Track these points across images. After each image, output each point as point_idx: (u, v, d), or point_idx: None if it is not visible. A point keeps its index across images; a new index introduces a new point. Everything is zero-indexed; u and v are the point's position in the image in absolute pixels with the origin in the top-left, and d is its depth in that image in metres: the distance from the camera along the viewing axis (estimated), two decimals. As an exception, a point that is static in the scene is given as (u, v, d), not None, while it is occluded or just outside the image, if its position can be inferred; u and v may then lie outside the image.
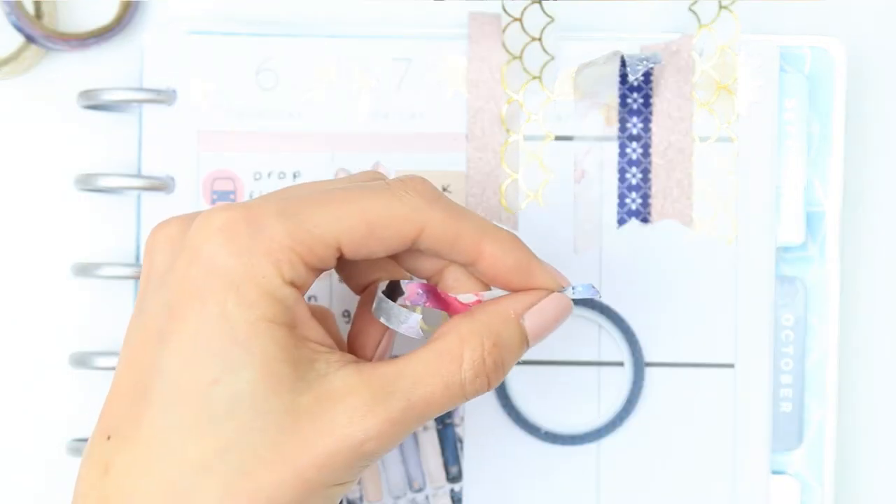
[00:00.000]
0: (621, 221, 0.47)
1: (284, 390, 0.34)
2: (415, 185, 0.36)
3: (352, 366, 0.35)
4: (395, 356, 0.36)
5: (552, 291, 0.37)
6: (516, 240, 0.37)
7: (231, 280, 0.34)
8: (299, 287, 0.35)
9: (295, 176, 0.46)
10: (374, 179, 0.38)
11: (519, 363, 0.46)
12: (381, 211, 0.35)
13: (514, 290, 0.37)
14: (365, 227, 0.35)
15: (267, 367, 0.34)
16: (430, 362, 0.35)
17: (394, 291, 0.38)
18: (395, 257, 0.38)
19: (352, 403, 0.34)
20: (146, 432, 0.34)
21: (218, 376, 0.33)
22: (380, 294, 0.38)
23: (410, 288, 0.38)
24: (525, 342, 0.37)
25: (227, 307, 0.34)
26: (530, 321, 0.37)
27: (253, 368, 0.33)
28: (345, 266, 0.39)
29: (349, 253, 0.36)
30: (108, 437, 0.34)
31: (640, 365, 0.46)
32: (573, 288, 0.38)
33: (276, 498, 0.33)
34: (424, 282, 0.38)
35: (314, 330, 0.36)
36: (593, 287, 0.38)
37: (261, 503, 0.33)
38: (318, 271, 0.36)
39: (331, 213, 0.35)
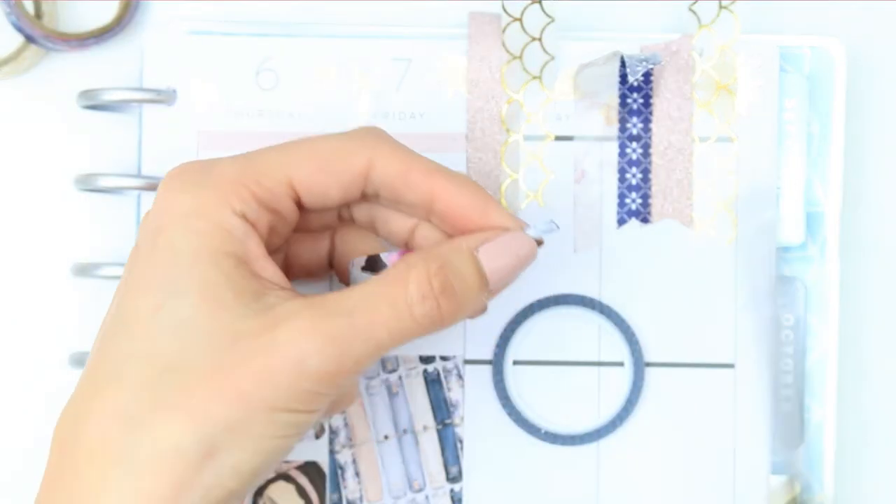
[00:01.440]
0: (621, 221, 0.47)
1: (227, 315, 0.34)
2: (365, 127, 0.38)
3: (301, 298, 0.36)
4: None
5: (516, 224, 0.38)
6: (469, 179, 0.38)
7: (180, 213, 0.35)
8: (251, 222, 0.36)
9: (295, 176, 0.46)
10: None
11: (519, 363, 0.46)
12: (329, 146, 0.37)
13: (472, 226, 0.38)
14: (314, 161, 0.36)
15: (208, 291, 0.34)
16: (376, 285, 0.36)
17: (375, 267, 0.38)
18: (364, 222, 0.40)
19: (293, 323, 0.34)
20: (94, 361, 0.36)
21: (161, 302, 0.35)
22: (353, 266, 0.38)
23: (391, 258, 0.38)
24: (481, 277, 0.37)
25: (174, 239, 0.35)
26: (484, 254, 0.37)
27: (195, 293, 0.34)
28: (333, 254, 0.40)
29: (303, 192, 0.37)
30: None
31: (640, 365, 0.46)
32: (533, 227, 0.37)
33: (213, 412, 0.33)
34: (401, 250, 0.39)
35: (270, 270, 0.36)
36: (553, 222, 0.37)
37: (198, 417, 0.33)
38: (272, 211, 0.37)
39: (281, 151, 0.37)
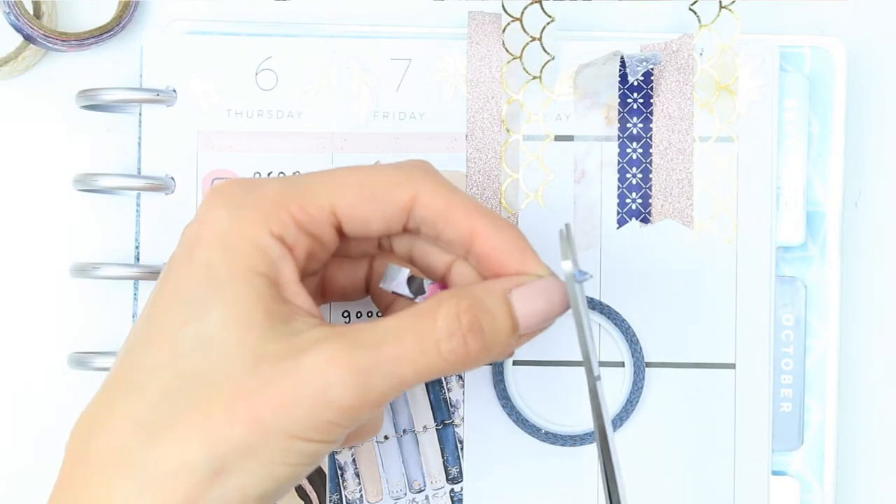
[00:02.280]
0: (621, 221, 0.46)
1: (253, 335, 0.34)
2: (412, 161, 0.38)
3: (328, 327, 0.35)
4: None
5: (545, 270, 0.37)
6: (509, 223, 0.38)
7: (219, 231, 0.35)
8: (288, 246, 0.36)
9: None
10: None
11: (519, 363, 0.46)
12: (376, 177, 0.37)
13: (508, 270, 0.37)
14: (358, 189, 0.36)
15: (237, 309, 0.34)
16: (405, 319, 0.35)
17: (414, 287, 0.38)
18: (403, 253, 0.39)
19: (319, 351, 0.34)
20: (117, 369, 0.35)
21: (188, 318, 0.34)
22: (390, 270, 0.38)
23: (431, 288, 0.38)
24: (512, 320, 0.36)
25: (210, 255, 0.35)
26: (518, 298, 0.36)
27: (223, 310, 0.34)
28: (371, 280, 0.40)
29: (345, 220, 0.36)
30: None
31: (640, 365, 0.46)
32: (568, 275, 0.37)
33: (228, 434, 0.33)
34: (439, 283, 0.38)
35: (301, 296, 0.36)
36: (586, 273, 0.37)
37: (212, 438, 0.33)
38: (311, 236, 0.36)
39: (326, 177, 0.37)
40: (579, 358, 0.46)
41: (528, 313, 0.36)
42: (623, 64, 0.45)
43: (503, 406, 0.46)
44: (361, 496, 0.46)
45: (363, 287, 0.41)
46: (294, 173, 0.46)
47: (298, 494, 0.46)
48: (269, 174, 0.46)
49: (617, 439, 0.46)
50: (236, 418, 0.33)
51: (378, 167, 0.37)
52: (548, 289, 0.37)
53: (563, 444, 0.46)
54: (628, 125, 0.46)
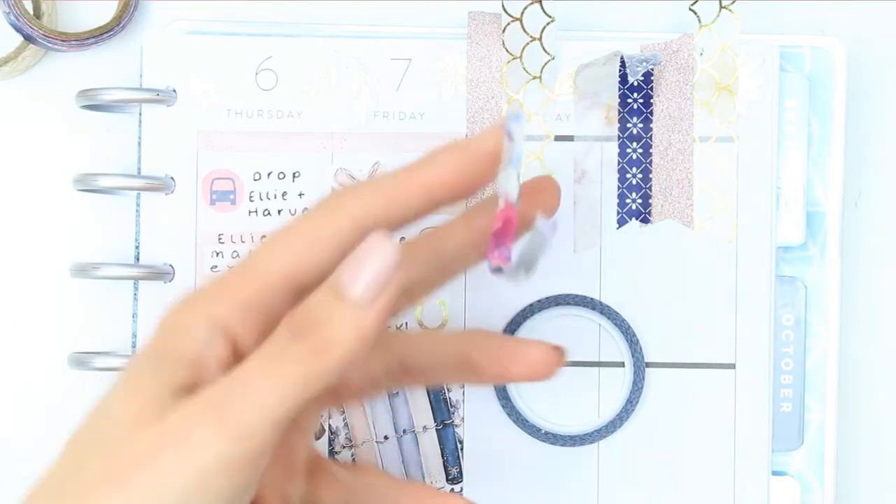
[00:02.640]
0: (621, 221, 0.46)
1: (136, 404, 0.33)
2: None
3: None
4: None
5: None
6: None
7: (183, 326, 0.34)
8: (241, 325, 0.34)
9: (295, 176, 0.46)
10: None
11: (519, 363, 0.46)
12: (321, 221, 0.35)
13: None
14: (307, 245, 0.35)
15: (136, 382, 0.33)
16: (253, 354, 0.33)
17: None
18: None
19: (182, 409, 0.32)
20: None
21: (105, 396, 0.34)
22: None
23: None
24: (340, 293, 0.33)
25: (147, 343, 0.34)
26: (341, 274, 0.33)
27: (124, 383, 0.34)
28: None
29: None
30: None
31: (640, 365, 0.46)
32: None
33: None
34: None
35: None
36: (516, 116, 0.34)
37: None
38: (273, 306, 0.34)
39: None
40: (579, 358, 0.46)
41: (354, 282, 0.33)
42: (623, 64, 0.45)
43: (503, 406, 0.46)
44: (361, 496, 0.46)
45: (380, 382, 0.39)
46: (294, 174, 0.46)
47: (298, 494, 0.46)
48: (268, 174, 0.46)
49: (617, 439, 0.46)
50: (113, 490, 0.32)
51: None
52: (369, 249, 0.33)
53: (563, 444, 0.46)
54: (628, 125, 0.46)
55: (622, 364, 0.46)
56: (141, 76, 0.46)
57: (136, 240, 0.46)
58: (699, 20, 0.46)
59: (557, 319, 0.46)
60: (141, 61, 0.46)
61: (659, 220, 0.46)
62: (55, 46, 0.46)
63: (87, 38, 0.47)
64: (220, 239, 0.46)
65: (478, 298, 0.46)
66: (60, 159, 0.47)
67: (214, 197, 0.46)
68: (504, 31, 0.46)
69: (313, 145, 0.46)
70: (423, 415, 0.46)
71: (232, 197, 0.46)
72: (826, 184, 0.47)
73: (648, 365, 0.46)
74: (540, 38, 0.46)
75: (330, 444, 0.46)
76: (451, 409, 0.46)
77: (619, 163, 0.46)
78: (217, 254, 0.46)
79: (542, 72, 0.46)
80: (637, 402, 0.46)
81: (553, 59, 0.46)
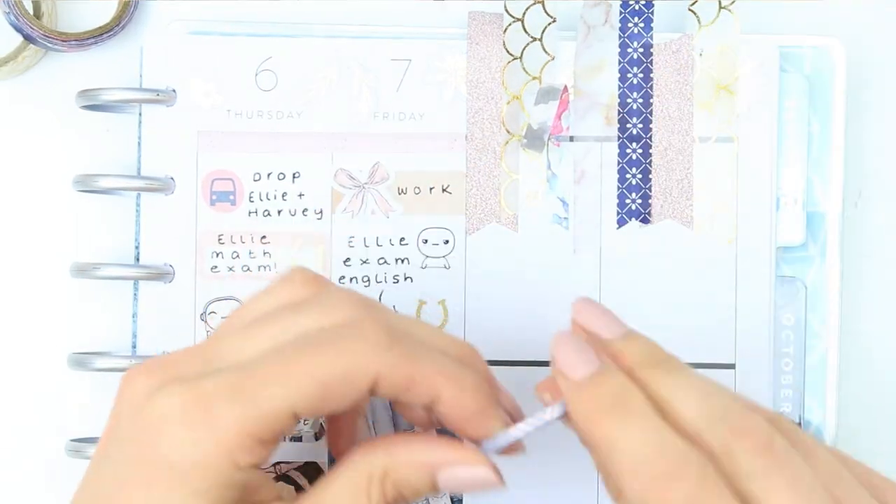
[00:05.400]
0: (621, 221, 0.46)
1: None
2: (362, 329, 0.35)
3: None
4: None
5: (480, 458, 0.36)
6: (473, 377, 0.36)
7: (181, 471, 0.33)
8: (256, 463, 0.35)
9: (295, 176, 0.46)
10: (316, 306, 0.36)
11: (519, 363, 0.46)
12: (333, 369, 0.34)
13: (468, 432, 0.37)
14: (320, 389, 0.34)
15: None
16: (343, 494, 0.35)
17: None
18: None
19: None
20: None
21: None
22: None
23: None
24: (434, 491, 0.36)
25: (171, 497, 0.33)
26: (444, 482, 0.36)
27: None
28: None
29: (307, 415, 0.35)
30: None
31: (640, 365, 0.46)
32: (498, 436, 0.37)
33: None
34: None
35: (271, 491, 0.36)
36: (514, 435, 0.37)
37: None
38: (277, 441, 0.35)
39: (283, 382, 0.34)
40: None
41: (451, 490, 0.37)
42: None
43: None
44: (362, 496, 0.46)
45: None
46: (294, 174, 0.46)
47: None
48: (268, 175, 0.46)
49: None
50: None
51: (329, 351, 0.35)
52: (475, 478, 0.36)
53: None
54: (628, 125, 0.46)
55: (622, 364, 0.46)
56: (141, 76, 0.46)
57: (136, 240, 0.46)
58: (699, 20, 0.46)
59: (558, 320, 0.46)
60: (141, 61, 0.46)
61: (659, 220, 0.46)
62: (55, 46, 0.46)
63: (87, 39, 0.47)
64: (220, 239, 0.46)
65: (478, 299, 0.46)
66: (60, 159, 0.47)
67: (214, 197, 0.46)
68: (505, 31, 0.46)
69: (313, 145, 0.46)
70: (423, 415, 0.46)
71: (232, 197, 0.46)
72: (826, 184, 0.47)
73: (648, 365, 0.46)
74: (541, 39, 0.46)
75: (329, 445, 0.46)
76: (452, 410, 0.46)
77: (619, 163, 0.46)
78: (217, 254, 0.46)
79: (542, 72, 0.46)
80: (637, 402, 0.46)
81: (553, 59, 0.46)
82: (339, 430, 0.41)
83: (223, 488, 0.34)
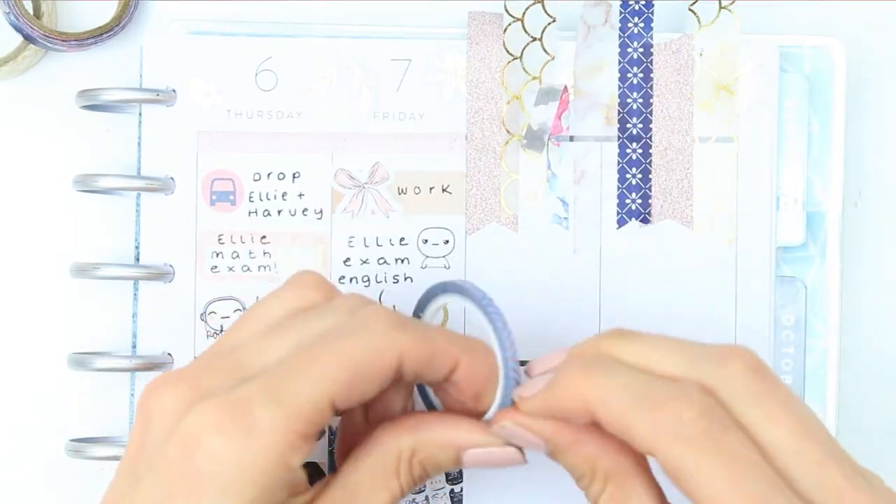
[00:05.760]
0: (621, 221, 0.47)
1: None
2: (377, 313, 0.36)
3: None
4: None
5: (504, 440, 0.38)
6: (487, 350, 0.38)
7: (228, 480, 0.33)
8: (304, 460, 0.35)
9: (295, 176, 0.46)
10: (329, 309, 0.37)
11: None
12: (360, 353, 0.35)
13: (483, 399, 0.38)
14: (350, 373, 0.35)
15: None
16: (372, 475, 0.37)
17: None
18: None
19: None
20: None
21: None
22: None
23: None
24: (458, 466, 0.38)
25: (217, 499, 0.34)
26: (469, 459, 0.38)
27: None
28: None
29: (343, 403, 0.35)
30: None
31: (640, 365, 0.46)
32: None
33: None
34: None
35: (303, 480, 0.36)
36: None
37: None
38: (320, 434, 0.36)
39: (314, 375, 0.35)
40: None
41: (474, 467, 0.38)
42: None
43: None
44: (361, 496, 0.46)
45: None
46: (294, 174, 0.46)
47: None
48: (268, 175, 0.46)
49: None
50: None
51: (356, 336, 0.36)
52: (502, 452, 0.38)
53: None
54: (628, 125, 0.47)
55: (622, 364, 0.46)
56: (141, 76, 0.46)
57: (136, 240, 0.46)
58: (699, 20, 0.46)
59: (558, 320, 0.46)
60: (141, 61, 0.46)
61: (659, 220, 0.46)
62: (55, 46, 0.46)
63: (87, 38, 0.47)
64: (220, 239, 0.46)
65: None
66: (60, 159, 0.47)
67: (214, 197, 0.46)
68: (505, 31, 0.46)
69: (313, 146, 0.46)
70: (423, 415, 0.46)
71: (232, 197, 0.46)
72: (826, 184, 0.47)
73: (648, 365, 0.46)
74: (540, 39, 0.46)
75: (330, 444, 0.46)
76: (452, 410, 0.46)
77: (619, 163, 0.47)
78: (217, 254, 0.46)
79: (541, 72, 0.46)
80: (637, 402, 0.46)
81: (553, 59, 0.46)
82: (348, 442, 0.40)
83: (275, 490, 0.34)
